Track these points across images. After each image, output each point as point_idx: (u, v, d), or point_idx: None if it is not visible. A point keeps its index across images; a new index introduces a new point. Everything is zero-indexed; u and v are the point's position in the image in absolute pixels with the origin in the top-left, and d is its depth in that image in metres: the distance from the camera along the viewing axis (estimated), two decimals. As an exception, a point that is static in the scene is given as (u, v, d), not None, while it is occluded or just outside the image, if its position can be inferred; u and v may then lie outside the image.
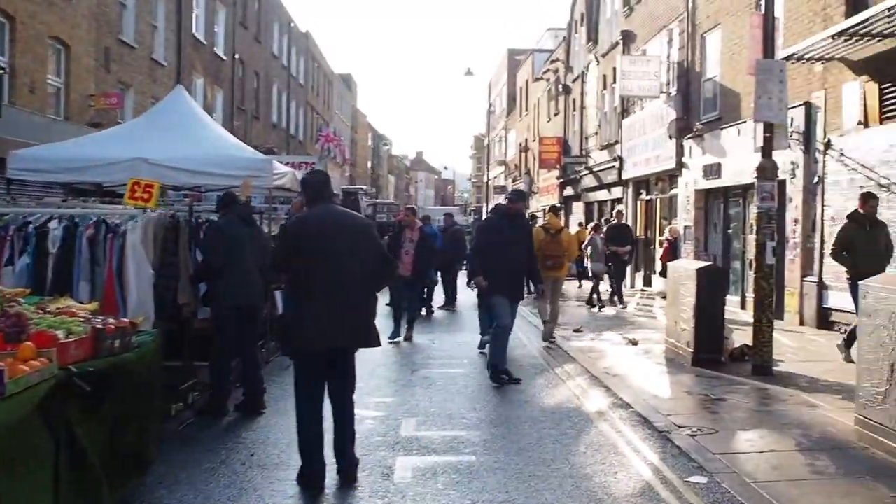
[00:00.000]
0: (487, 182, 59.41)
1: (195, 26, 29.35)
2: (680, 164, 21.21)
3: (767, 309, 9.89)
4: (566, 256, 13.72)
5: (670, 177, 22.86)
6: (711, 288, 10.66)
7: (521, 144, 53.12)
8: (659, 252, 23.02)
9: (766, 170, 9.90)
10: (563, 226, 14.63)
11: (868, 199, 10.63)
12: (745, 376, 9.97)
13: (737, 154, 17.78)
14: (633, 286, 25.97)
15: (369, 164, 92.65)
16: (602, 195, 30.45)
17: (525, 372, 10.68)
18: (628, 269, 22.80)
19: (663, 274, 22.20)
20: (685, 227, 20.98)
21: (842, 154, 13.79)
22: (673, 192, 22.57)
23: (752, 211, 17.60)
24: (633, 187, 26.50)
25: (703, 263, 11.16)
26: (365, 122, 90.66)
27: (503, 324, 10.07)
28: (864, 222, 10.52)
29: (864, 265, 9.49)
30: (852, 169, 13.56)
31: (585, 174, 32.33)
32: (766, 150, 9.93)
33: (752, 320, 10.21)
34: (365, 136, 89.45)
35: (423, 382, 10.10)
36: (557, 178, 37.87)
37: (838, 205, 13.61)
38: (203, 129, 11.72)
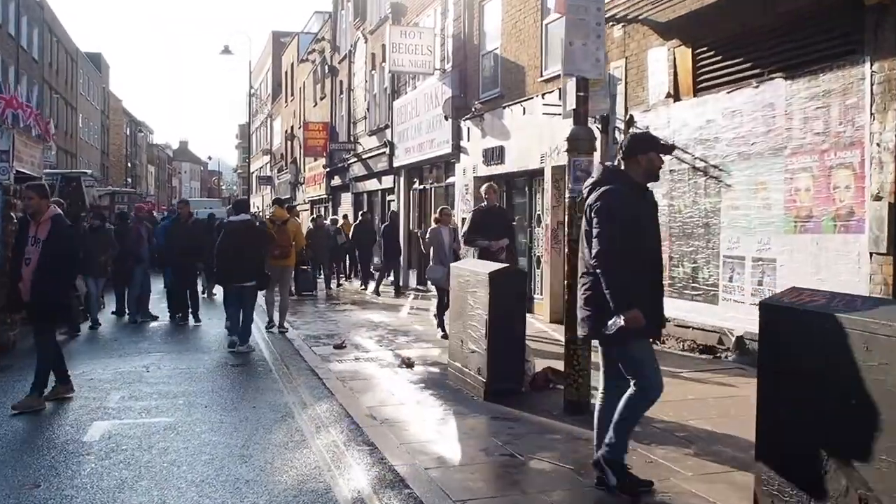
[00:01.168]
0: (249, 173, 55.31)
1: None
2: (457, 149, 18.88)
3: (583, 325, 7.45)
4: (294, 246, 14.42)
5: (446, 163, 20.52)
6: (509, 298, 8.12)
7: (286, 132, 49.63)
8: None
9: (581, 140, 7.43)
10: (288, 216, 14.69)
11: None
12: (555, 416, 7.51)
13: (522, 136, 15.60)
14: (402, 283, 23.52)
15: (126, 154, 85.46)
16: (372, 185, 27.80)
17: (260, 418, 7.72)
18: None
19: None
20: (463, 220, 18.65)
21: (647, 131, 11.74)
22: (450, 180, 20.24)
23: (541, 200, 15.51)
24: (406, 176, 24.01)
25: (495, 265, 8.63)
26: (119, 106, 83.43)
27: None
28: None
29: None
30: (660, 150, 11.54)
31: (354, 162, 29.57)
32: (581, 115, 7.47)
33: (543, 328, 7.74)
34: (119, 122, 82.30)
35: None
36: (324, 166, 34.90)
37: (643, 192, 11.53)
38: None
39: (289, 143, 48.46)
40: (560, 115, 13.67)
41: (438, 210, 14.13)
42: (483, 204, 12.60)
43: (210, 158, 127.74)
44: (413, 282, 23.38)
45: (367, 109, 28.26)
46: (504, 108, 16.36)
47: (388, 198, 26.33)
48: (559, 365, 8.52)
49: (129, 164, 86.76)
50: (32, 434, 7.28)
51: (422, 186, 22.93)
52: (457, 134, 18.84)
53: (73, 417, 7.81)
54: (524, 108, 15.47)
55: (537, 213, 15.73)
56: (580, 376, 7.48)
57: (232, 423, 7.57)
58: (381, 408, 8.01)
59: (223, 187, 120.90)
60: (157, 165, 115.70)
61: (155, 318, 15.54)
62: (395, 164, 24.16)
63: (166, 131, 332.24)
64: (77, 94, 58.32)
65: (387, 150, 24.82)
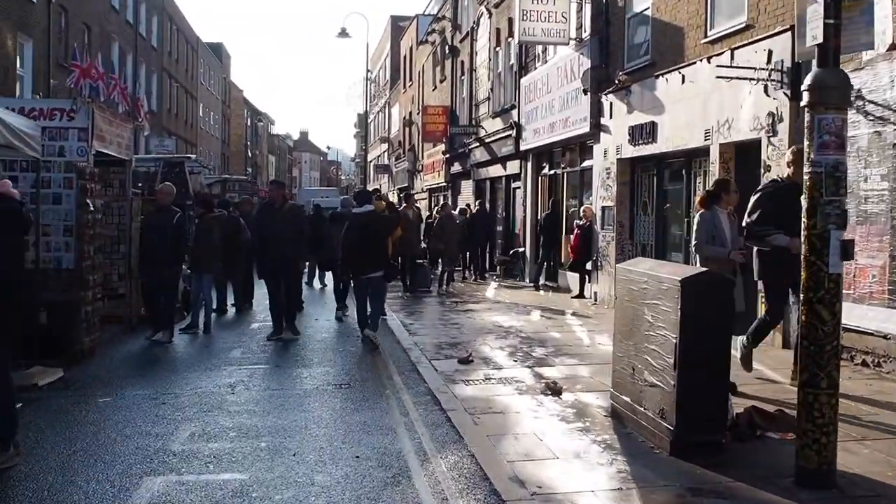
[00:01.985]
0: (366, 161, 53.92)
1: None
2: (597, 128, 16.49)
3: (830, 360, 5.11)
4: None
5: (581, 145, 18.18)
6: (711, 316, 5.82)
7: (404, 119, 48.01)
8: (568, 241, 18.42)
9: (830, 89, 5.05)
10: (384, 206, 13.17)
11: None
12: (785, 490, 5.18)
13: (680, 109, 13.14)
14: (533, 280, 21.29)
15: (246, 144, 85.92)
16: (496, 171, 25.63)
17: (364, 477, 5.66)
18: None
19: (574, 268, 17.66)
20: (603, 209, 16.31)
21: (861, 97, 9.17)
22: (586, 163, 17.88)
23: (703, 185, 13.03)
24: (534, 160, 21.74)
25: (689, 270, 6.37)
26: (240, 96, 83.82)
27: None
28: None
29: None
30: (881, 120, 8.97)
31: (476, 147, 27.46)
32: (829, 52, 5.08)
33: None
34: (240, 112, 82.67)
35: None
36: (444, 153, 32.94)
37: (853, 174, 8.96)
38: None
39: (407, 129, 46.82)
40: (732, 79, 11.21)
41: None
42: (779, 178, 8.32)
43: (329, 148, 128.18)
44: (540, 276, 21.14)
45: (491, 90, 26.10)
46: (657, 77, 13.91)
47: (514, 185, 24.13)
48: (758, 402, 6.20)
49: (250, 154, 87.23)
50: (61, 493, 5.41)
51: (552, 172, 20.62)
52: (596, 111, 16.46)
53: (121, 468, 5.92)
54: (683, 77, 13.00)
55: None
56: (823, 434, 5.13)
57: (325, 486, 5.52)
58: (529, 465, 5.83)
59: (342, 176, 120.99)
60: (278, 156, 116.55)
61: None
62: (523, 148, 21.93)
63: (287, 122, 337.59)
64: (198, 83, 58.21)
65: (512, 132, 22.61)
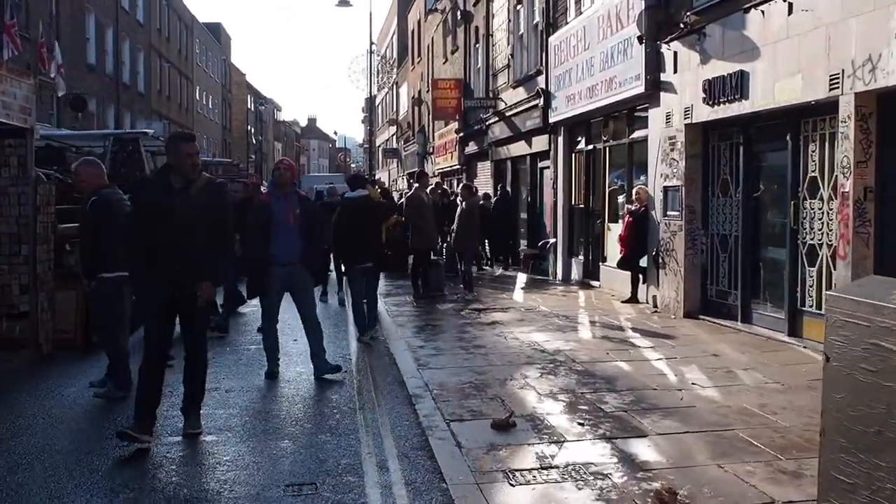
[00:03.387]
0: (371, 145, 50.31)
1: None
2: (654, 86, 12.90)
3: None
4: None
5: (630, 111, 14.64)
6: None
7: (413, 98, 44.41)
8: (616, 230, 14.89)
9: None
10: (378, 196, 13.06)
11: None
12: None
13: (785, 51, 9.57)
14: (564, 278, 17.82)
15: (249, 130, 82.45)
16: (518, 149, 22.04)
17: None
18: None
19: (625, 265, 14.11)
20: (665, 190, 12.74)
21: None
22: (638, 134, 14.33)
23: (824, 154, 9.48)
24: (566, 134, 18.17)
25: None
26: (242, 80, 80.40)
27: None
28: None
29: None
30: None
31: (494, 122, 23.87)
32: None
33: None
34: (242, 96, 79.29)
35: None
36: (457, 131, 29.36)
37: None
38: None
39: (416, 109, 43.24)
40: None
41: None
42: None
43: (336, 134, 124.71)
44: (575, 271, 17.64)
45: (511, 55, 22.51)
46: (746, 10, 10.33)
47: (541, 164, 20.55)
48: None
49: (254, 141, 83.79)
50: None
51: (589, 147, 17.05)
52: (654, 64, 12.87)
53: None
54: (790, 4, 9.43)
55: (812, 174, 9.68)
56: None
57: None
58: None
59: (350, 163, 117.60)
60: (285, 143, 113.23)
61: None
62: (552, 119, 18.35)
63: (294, 108, 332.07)
64: (193, 65, 54.75)
65: (539, 100, 19.05)
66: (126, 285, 7.47)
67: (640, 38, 12.87)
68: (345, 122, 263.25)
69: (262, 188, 38.70)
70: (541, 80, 19.30)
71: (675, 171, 12.33)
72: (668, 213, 12.55)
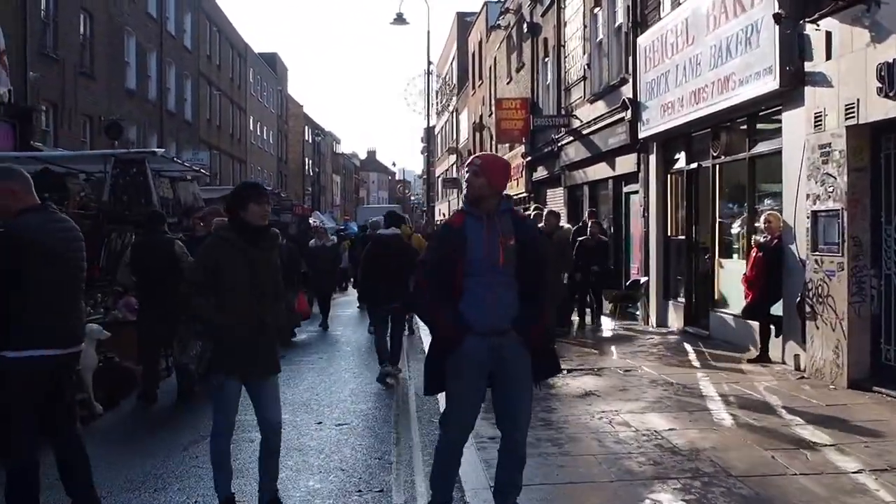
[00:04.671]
0: (430, 175, 47.58)
1: None
2: (796, 80, 9.85)
3: None
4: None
5: (752, 116, 11.59)
6: None
7: (474, 124, 41.67)
8: (731, 266, 11.75)
9: None
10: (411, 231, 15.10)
11: None
12: None
13: None
14: (659, 324, 14.73)
15: (305, 162, 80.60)
16: (597, 171, 19.01)
17: None
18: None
19: (751, 313, 10.92)
20: (816, 216, 9.58)
21: None
22: (763, 146, 11.27)
23: None
24: (660, 152, 15.16)
25: None
26: (299, 112, 78.68)
27: None
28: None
29: None
30: None
31: (568, 143, 20.93)
32: None
33: None
34: (299, 128, 77.47)
35: None
36: (523, 155, 26.43)
37: None
38: None
39: (477, 135, 40.47)
40: None
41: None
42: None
43: (395, 165, 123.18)
44: (673, 317, 14.50)
45: (588, 66, 19.58)
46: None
47: (626, 188, 17.50)
48: None
49: (311, 173, 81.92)
50: None
51: (692, 165, 13.97)
52: (793, 50, 9.81)
53: None
54: None
55: None
56: None
57: None
58: None
59: (410, 195, 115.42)
60: (344, 175, 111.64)
61: None
62: (642, 135, 15.35)
63: (353, 141, 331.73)
64: (247, 94, 52.83)
65: (625, 114, 16.07)
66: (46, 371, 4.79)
67: (776, 18, 9.80)
68: (404, 153, 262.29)
69: (312, 220, 36.36)
70: (626, 89, 16.39)
71: (830, 190, 9.20)
72: (821, 246, 9.38)
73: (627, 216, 17.55)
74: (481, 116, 39.07)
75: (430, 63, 37.07)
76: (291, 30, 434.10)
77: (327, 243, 17.99)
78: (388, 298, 10.20)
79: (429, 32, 41.32)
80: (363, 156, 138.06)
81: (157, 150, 12.71)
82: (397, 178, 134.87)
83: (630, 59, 16.17)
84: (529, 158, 25.40)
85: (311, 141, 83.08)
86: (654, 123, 14.75)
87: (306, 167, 79.80)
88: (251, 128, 54.47)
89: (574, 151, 20.43)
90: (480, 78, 40.10)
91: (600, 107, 18.43)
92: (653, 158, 15.35)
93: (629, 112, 15.88)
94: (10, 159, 13.76)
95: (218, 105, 44.50)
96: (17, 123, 20.43)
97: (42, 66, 22.32)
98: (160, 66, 33.75)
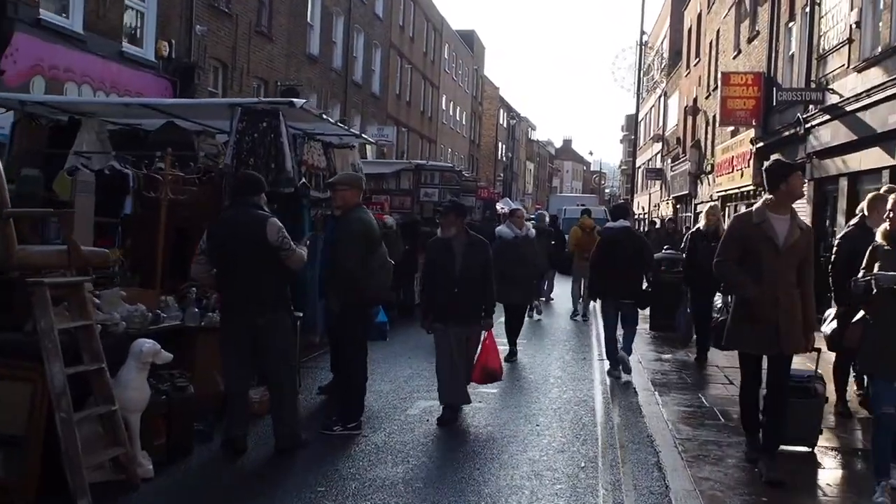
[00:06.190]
0: (632, 164, 43.24)
1: None
2: None
3: None
4: None
5: None
6: None
7: (686, 108, 37.15)
8: None
9: None
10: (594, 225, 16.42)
11: None
12: None
13: None
14: None
15: (501, 147, 77.76)
16: (869, 159, 14.56)
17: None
18: None
19: None
20: None
21: None
22: None
23: None
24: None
25: None
26: (495, 94, 75.77)
27: None
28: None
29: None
30: None
31: (821, 123, 16.57)
32: None
33: None
34: (494, 110, 74.59)
35: None
36: (752, 140, 22.04)
37: None
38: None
39: (690, 120, 35.97)
40: None
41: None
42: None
43: (591, 154, 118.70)
44: None
45: (858, 24, 15.20)
46: None
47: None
48: None
49: (504, 159, 79.05)
50: None
51: None
52: None
53: None
54: None
55: None
56: None
57: None
58: None
59: (605, 187, 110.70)
60: (538, 163, 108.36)
61: None
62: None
63: (549, 129, 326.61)
64: (440, 71, 50.35)
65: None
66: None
67: None
68: (602, 143, 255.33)
69: (499, 206, 33.12)
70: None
71: None
72: None
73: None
74: (695, 99, 34.56)
75: (643, 33, 32.81)
76: (491, 6, 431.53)
77: (523, 233, 11.61)
78: (620, 294, 10.11)
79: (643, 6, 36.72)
80: (559, 144, 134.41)
81: (296, 100, 9.60)
82: (592, 168, 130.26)
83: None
84: (761, 144, 20.99)
85: (505, 125, 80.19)
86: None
87: (499, 152, 76.94)
88: (443, 107, 52.03)
89: (829, 134, 16.07)
90: (697, 56, 35.54)
91: (874, 75, 14.10)
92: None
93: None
94: (117, 105, 11.30)
95: (409, 80, 42.14)
96: (178, 81, 18.35)
97: (212, 20, 20.19)
98: (347, 33, 31.48)
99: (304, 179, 10.09)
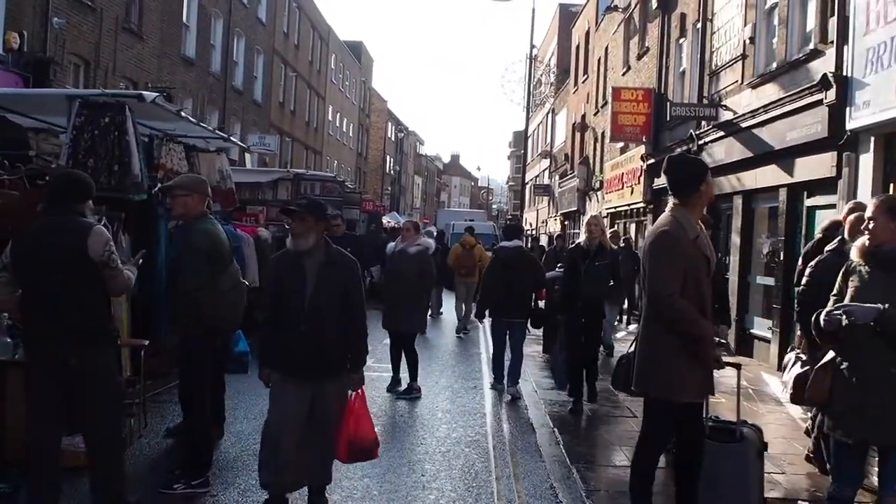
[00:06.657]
0: (521, 180, 42.94)
1: None
2: None
3: None
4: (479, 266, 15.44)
5: None
6: None
7: (574, 125, 36.99)
8: None
9: None
10: (475, 242, 17.32)
11: None
12: None
13: None
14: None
15: (389, 160, 76.78)
16: (764, 177, 14.13)
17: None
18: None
19: None
20: None
21: None
22: None
23: None
24: (881, 149, 10.43)
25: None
26: (383, 107, 74.85)
27: None
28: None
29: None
30: None
31: (715, 140, 16.19)
32: None
33: None
34: (382, 123, 73.63)
35: None
36: (643, 157, 21.69)
37: None
38: None
39: (578, 137, 35.78)
40: None
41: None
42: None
43: (479, 170, 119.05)
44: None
45: (751, 39, 14.86)
46: None
47: (809, 201, 12.70)
48: None
49: (392, 172, 78.10)
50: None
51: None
52: None
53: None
54: None
55: None
56: None
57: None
58: None
59: (492, 202, 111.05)
60: (426, 177, 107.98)
61: None
62: (853, 125, 10.66)
63: (437, 144, 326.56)
64: (327, 81, 49.07)
65: (823, 96, 11.36)
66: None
67: None
68: (490, 159, 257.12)
69: (385, 220, 32.10)
70: (819, 64, 11.70)
71: None
72: None
73: (809, 238, 12.74)
74: (584, 116, 34.38)
75: (533, 46, 32.38)
76: (380, 17, 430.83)
77: (411, 248, 10.29)
78: (511, 313, 10.09)
79: (534, 10, 36.45)
80: (447, 159, 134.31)
81: (146, 93, 8.37)
82: (480, 184, 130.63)
83: (833, 20, 11.47)
84: (652, 161, 20.65)
85: (393, 139, 79.35)
86: (878, 108, 10.03)
87: (387, 165, 75.99)
88: (330, 118, 50.75)
89: (724, 151, 15.67)
90: (585, 73, 35.39)
91: (770, 91, 13.75)
92: (866, 159, 10.61)
93: (830, 94, 11.16)
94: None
95: (294, 88, 40.75)
96: (31, 77, 16.66)
97: (72, 12, 18.52)
98: (227, 36, 29.98)
99: (160, 185, 8.82)
